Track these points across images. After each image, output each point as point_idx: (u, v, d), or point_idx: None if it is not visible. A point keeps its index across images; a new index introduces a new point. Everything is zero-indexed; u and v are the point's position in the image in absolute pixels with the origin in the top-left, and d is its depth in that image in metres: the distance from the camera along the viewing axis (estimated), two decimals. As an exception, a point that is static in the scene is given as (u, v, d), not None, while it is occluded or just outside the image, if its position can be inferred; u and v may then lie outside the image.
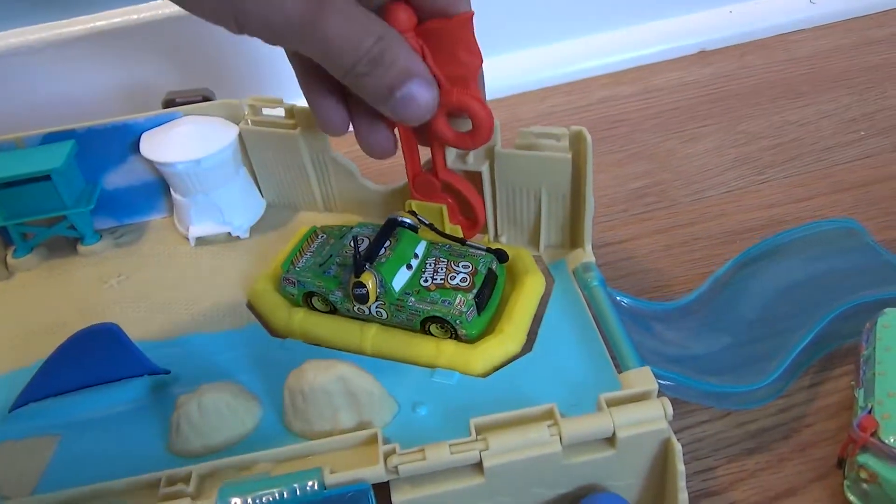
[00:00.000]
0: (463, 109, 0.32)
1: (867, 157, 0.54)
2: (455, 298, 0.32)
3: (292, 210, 0.44)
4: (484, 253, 0.35)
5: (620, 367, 0.31)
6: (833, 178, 0.53)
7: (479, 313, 0.33)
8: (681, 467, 0.28)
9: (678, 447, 0.28)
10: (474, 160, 0.37)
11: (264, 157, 0.43)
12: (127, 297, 0.39)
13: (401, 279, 0.33)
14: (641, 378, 0.30)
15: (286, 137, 0.41)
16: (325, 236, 0.38)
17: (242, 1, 0.25)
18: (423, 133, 0.34)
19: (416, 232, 0.36)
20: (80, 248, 0.43)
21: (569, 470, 0.28)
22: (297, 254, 0.36)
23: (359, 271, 0.32)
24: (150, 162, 0.41)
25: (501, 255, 0.36)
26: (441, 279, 0.33)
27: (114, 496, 0.28)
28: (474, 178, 0.37)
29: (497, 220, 0.39)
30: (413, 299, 0.33)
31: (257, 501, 0.26)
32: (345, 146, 0.41)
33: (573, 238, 0.38)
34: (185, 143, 0.40)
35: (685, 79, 0.67)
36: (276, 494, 0.26)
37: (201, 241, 0.42)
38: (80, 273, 0.42)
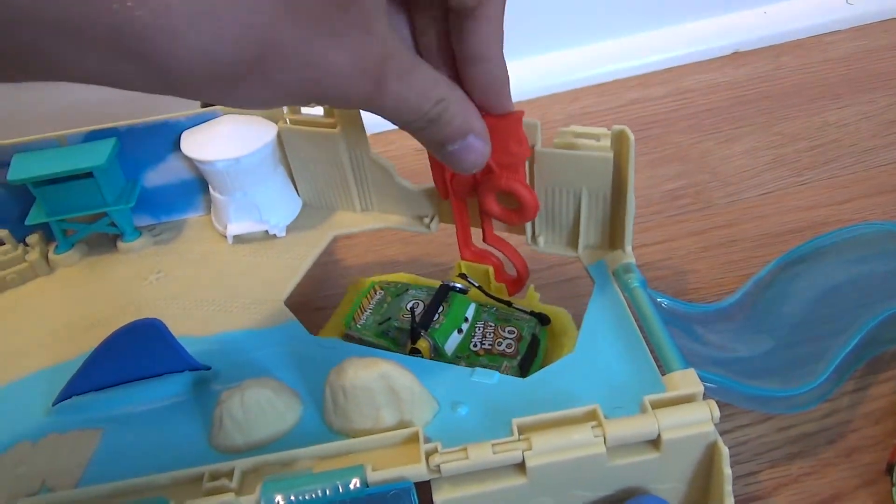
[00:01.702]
0: (511, 193, 0.35)
1: (908, 160, 0.53)
2: (501, 364, 0.34)
3: (328, 209, 0.44)
4: (528, 317, 0.37)
5: (664, 369, 0.31)
6: (873, 181, 0.52)
7: (523, 378, 0.34)
8: (728, 471, 0.28)
9: (725, 451, 0.27)
10: None
11: (302, 157, 0.43)
12: (166, 294, 0.40)
13: (452, 343, 0.35)
14: (686, 380, 0.29)
15: (325, 137, 0.41)
16: (382, 293, 0.39)
17: (317, 95, 0.24)
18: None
19: (467, 294, 0.38)
20: (120, 244, 0.43)
21: (612, 472, 0.28)
22: (358, 310, 0.38)
23: (415, 338, 0.34)
24: (189, 160, 0.41)
25: (543, 319, 0.38)
26: (489, 344, 0.35)
27: (157, 490, 0.28)
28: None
29: (535, 221, 0.39)
30: (463, 363, 0.34)
31: (300, 498, 0.26)
32: (379, 146, 0.41)
33: (613, 239, 0.38)
34: (224, 142, 0.40)
35: (719, 80, 0.66)
36: (319, 492, 0.26)
37: (239, 239, 0.43)
38: (120, 269, 0.42)
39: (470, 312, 0.37)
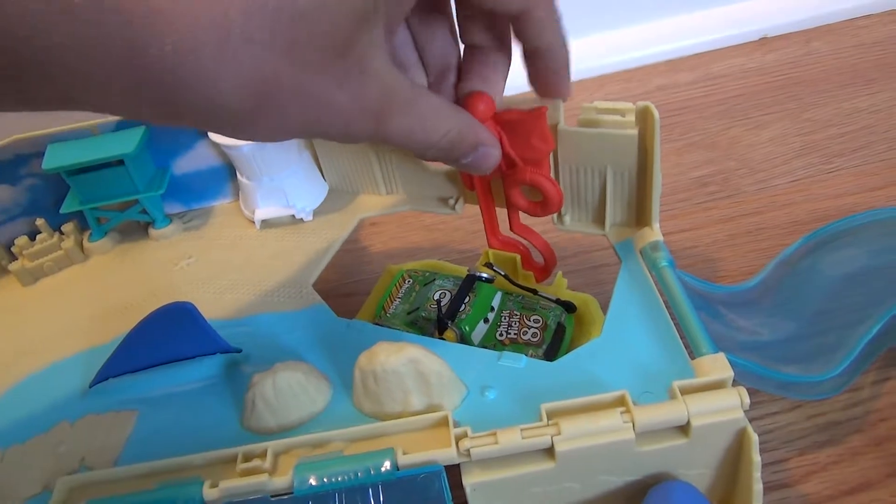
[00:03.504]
0: (535, 187, 0.35)
1: (943, 146, 0.52)
2: (527, 353, 0.34)
3: (353, 193, 0.45)
4: (553, 305, 0.37)
5: (693, 353, 0.31)
6: (906, 168, 0.51)
7: None
8: (757, 458, 0.28)
9: (755, 437, 0.27)
10: None
11: (327, 141, 0.43)
12: (196, 279, 0.41)
13: (479, 332, 0.36)
14: (716, 365, 0.29)
15: (350, 121, 0.41)
16: (411, 281, 0.40)
17: (321, 129, 0.25)
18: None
19: (493, 283, 0.38)
20: (152, 231, 0.44)
21: (640, 458, 0.28)
22: (388, 299, 0.39)
23: (442, 329, 0.35)
24: (217, 147, 0.42)
25: (569, 307, 0.38)
26: (514, 334, 0.36)
27: (193, 470, 0.28)
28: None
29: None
30: None
31: (333, 480, 0.27)
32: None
33: (640, 216, 0.37)
34: (252, 128, 0.41)
35: (747, 66, 0.66)
36: (351, 474, 0.27)
37: (266, 223, 0.43)
38: (152, 255, 0.43)
39: (496, 301, 0.37)
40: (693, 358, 0.30)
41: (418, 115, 0.26)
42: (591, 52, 0.68)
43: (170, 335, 0.34)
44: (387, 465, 0.27)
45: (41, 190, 0.44)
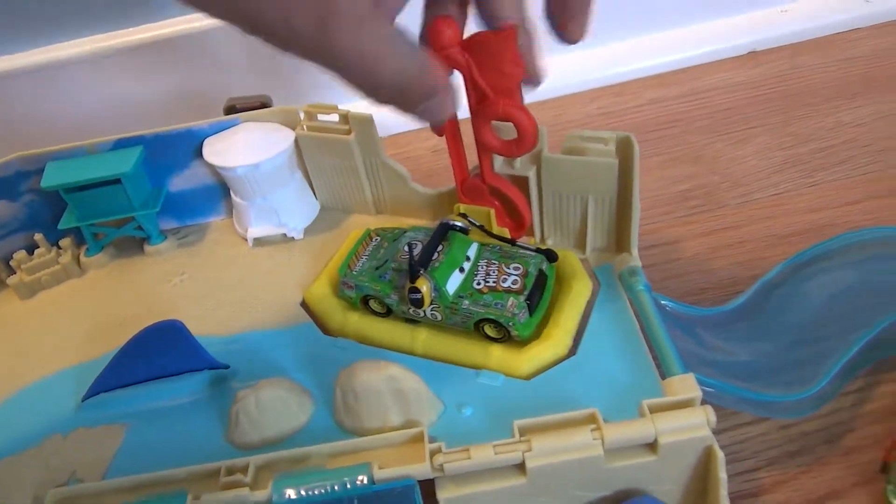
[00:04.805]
0: (508, 119, 0.33)
1: (923, 161, 0.53)
2: (507, 301, 0.33)
3: (345, 212, 0.46)
4: (533, 254, 0.36)
5: (664, 374, 0.32)
6: (886, 182, 0.51)
7: (530, 314, 0.34)
8: (723, 475, 0.28)
9: (721, 455, 0.28)
10: (521, 165, 0.38)
11: (319, 162, 0.44)
12: (189, 295, 0.42)
13: (454, 282, 0.35)
14: (685, 385, 0.30)
15: (340, 142, 0.42)
16: (378, 239, 0.39)
17: (252, 8, 0.22)
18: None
19: (468, 234, 0.37)
20: (147, 247, 0.45)
21: (610, 474, 0.29)
22: (353, 257, 0.38)
23: (413, 277, 0.34)
24: (211, 166, 0.43)
25: (551, 255, 0.37)
26: (493, 282, 0.35)
27: (178, 483, 0.30)
28: (521, 182, 0.38)
29: (543, 223, 0.40)
30: (467, 302, 0.34)
31: (310, 493, 0.28)
32: (392, 149, 0.42)
33: (619, 242, 0.38)
34: (244, 149, 0.42)
35: (735, 80, 0.66)
36: (328, 487, 0.28)
37: (258, 241, 0.44)
38: (147, 271, 0.44)
39: (472, 251, 0.36)
40: (664, 378, 0.31)
41: (370, 36, 0.24)
42: (583, 65, 0.69)
43: (160, 352, 0.35)
44: (363, 478, 0.28)
45: (40, 206, 0.45)
